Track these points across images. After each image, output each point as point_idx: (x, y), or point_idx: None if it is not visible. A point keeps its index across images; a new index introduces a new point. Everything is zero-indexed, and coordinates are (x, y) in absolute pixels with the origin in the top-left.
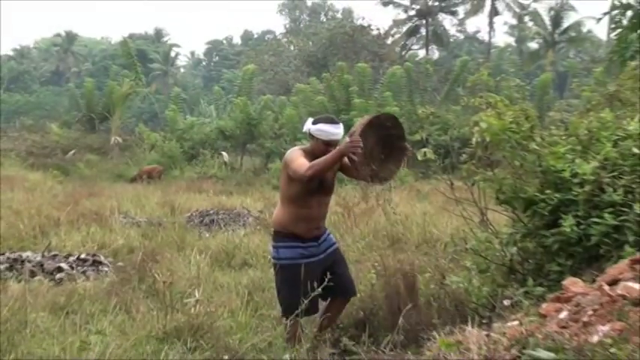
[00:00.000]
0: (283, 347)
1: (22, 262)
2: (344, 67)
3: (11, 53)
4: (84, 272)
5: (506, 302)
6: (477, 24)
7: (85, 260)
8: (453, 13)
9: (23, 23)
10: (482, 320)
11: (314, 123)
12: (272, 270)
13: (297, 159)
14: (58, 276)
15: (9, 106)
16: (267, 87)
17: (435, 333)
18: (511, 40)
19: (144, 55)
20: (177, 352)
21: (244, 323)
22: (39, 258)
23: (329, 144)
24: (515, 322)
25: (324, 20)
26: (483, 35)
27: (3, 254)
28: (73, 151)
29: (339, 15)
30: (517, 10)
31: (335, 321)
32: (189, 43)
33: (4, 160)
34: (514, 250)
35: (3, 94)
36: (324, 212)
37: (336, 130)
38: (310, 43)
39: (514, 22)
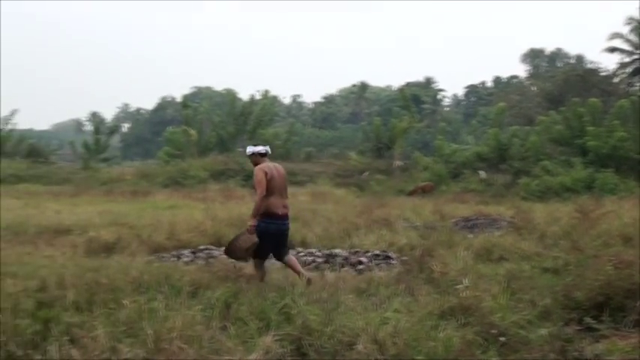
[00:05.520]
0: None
1: (334, 256)
2: (577, 102)
3: (322, 100)
4: (378, 265)
5: None
6: None
7: (378, 255)
8: None
9: (330, 76)
10: None
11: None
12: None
13: None
14: (359, 267)
15: (320, 140)
16: (514, 120)
17: None
18: None
19: (417, 98)
20: (451, 327)
21: (504, 305)
22: (345, 253)
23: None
24: None
25: (560, 65)
26: None
27: (320, 251)
28: (366, 173)
29: (572, 61)
30: None
31: None
32: (451, 87)
33: (318, 180)
34: None
35: (317, 131)
36: None
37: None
38: (549, 84)
39: None
